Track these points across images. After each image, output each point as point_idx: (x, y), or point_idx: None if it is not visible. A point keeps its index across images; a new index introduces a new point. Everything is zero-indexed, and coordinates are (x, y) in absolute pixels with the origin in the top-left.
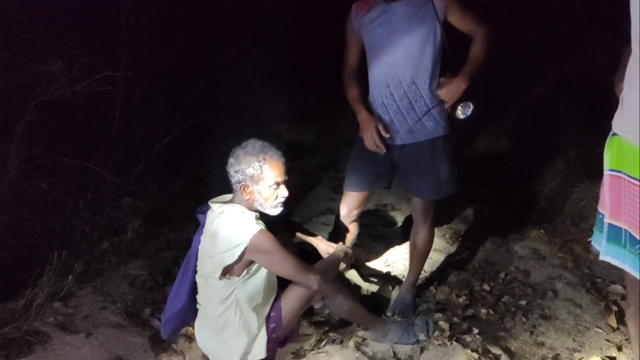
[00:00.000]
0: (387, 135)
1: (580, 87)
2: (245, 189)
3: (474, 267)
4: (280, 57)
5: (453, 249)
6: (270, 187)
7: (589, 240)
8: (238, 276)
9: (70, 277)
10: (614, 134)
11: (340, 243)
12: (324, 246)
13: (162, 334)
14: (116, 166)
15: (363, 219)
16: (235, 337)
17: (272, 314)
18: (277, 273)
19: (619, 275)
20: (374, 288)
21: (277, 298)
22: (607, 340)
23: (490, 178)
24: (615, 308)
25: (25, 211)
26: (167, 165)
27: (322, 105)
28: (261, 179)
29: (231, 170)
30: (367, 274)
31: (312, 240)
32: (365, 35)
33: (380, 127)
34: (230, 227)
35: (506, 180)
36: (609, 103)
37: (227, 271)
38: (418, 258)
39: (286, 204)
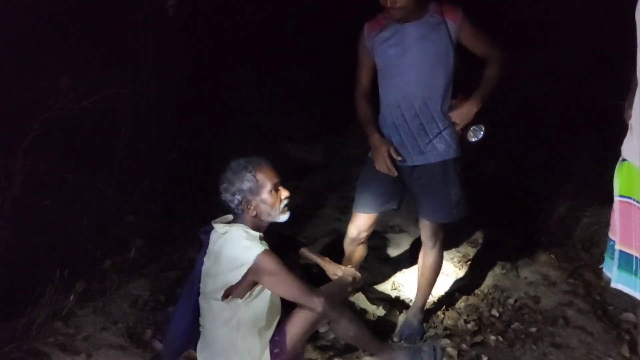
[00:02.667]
0: (399, 159)
1: (591, 111)
2: (249, 205)
3: (482, 292)
4: (288, 74)
5: (461, 273)
6: (270, 191)
7: (600, 267)
8: (241, 298)
9: (72, 296)
10: (624, 160)
11: (350, 266)
12: (331, 268)
13: (164, 357)
14: (120, 184)
15: (370, 240)
16: None
17: (277, 338)
18: (281, 295)
19: (632, 303)
20: (380, 312)
21: (281, 321)
22: None
23: (499, 201)
24: (627, 337)
25: (28, 228)
26: (172, 184)
27: (329, 124)
28: (260, 187)
29: (228, 196)
30: (374, 298)
31: (318, 261)
32: (378, 55)
33: (392, 151)
34: (234, 247)
35: (516, 203)
36: (621, 127)
37: (229, 292)
38: (426, 282)
39: (291, 223)
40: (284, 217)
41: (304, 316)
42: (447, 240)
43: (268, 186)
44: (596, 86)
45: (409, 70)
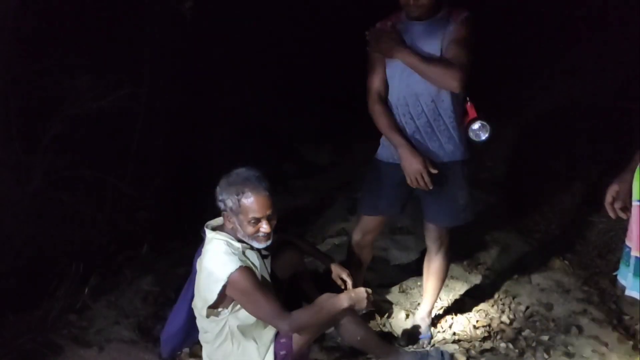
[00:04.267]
0: (435, 172)
1: (607, 114)
2: (228, 218)
3: (493, 297)
4: (297, 73)
5: (471, 277)
6: (249, 222)
7: (614, 274)
8: (227, 308)
9: (87, 290)
10: None
11: (361, 289)
12: (337, 270)
13: (162, 353)
14: (134, 181)
15: (377, 242)
16: None
17: (283, 340)
18: (251, 314)
19: None
20: (387, 315)
21: None
22: None
23: (511, 204)
24: None
25: (46, 222)
26: (185, 182)
27: (338, 123)
28: (240, 213)
29: (217, 198)
30: (382, 300)
31: (325, 262)
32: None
33: (429, 164)
34: (212, 260)
35: (529, 207)
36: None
37: (213, 306)
38: (433, 287)
39: (300, 223)
40: (258, 245)
41: None
42: (457, 243)
43: (248, 217)
44: (608, 86)
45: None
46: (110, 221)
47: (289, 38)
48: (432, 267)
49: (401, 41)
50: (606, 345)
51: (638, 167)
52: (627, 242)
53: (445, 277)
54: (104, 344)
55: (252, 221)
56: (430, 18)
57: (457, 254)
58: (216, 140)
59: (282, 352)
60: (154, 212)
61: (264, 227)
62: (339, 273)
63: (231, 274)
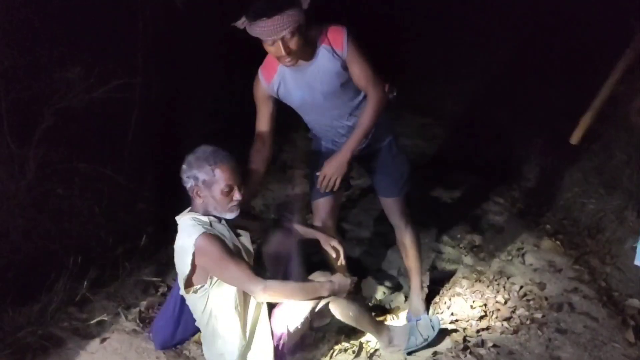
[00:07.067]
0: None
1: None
2: (199, 193)
3: (488, 278)
4: None
5: (467, 259)
6: (222, 190)
7: (634, 245)
8: (205, 283)
9: (86, 282)
10: None
11: (347, 275)
12: (323, 238)
13: (154, 345)
14: (131, 172)
15: (377, 226)
16: (226, 343)
17: (277, 320)
18: (223, 280)
19: (637, 288)
20: (387, 297)
21: (278, 306)
22: (624, 355)
23: (505, 187)
24: (632, 322)
25: (42, 216)
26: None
27: None
28: (214, 183)
29: (184, 177)
30: (380, 283)
31: (312, 232)
32: (284, 99)
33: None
34: (182, 235)
35: (521, 189)
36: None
37: (190, 283)
38: (414, 261)
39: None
40: (230, 215)
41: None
42: (452, 226)
43: (221, 185)
44: (597, 73)
45: (321, 105)
46: (108, 214)
47: None
48: (407, 242)
49: (341, 157)
50: (597, 321)
51: None
52: None
53: (420, 246)
54: (105, 335)
55: (226, 190)
56: (314, 56)
57: (454, 237)
58: (214, 129)
59: (278, 333)
60: (152, 203)
61: (237, 195)
62: (329, 241)
63: (196, 239)
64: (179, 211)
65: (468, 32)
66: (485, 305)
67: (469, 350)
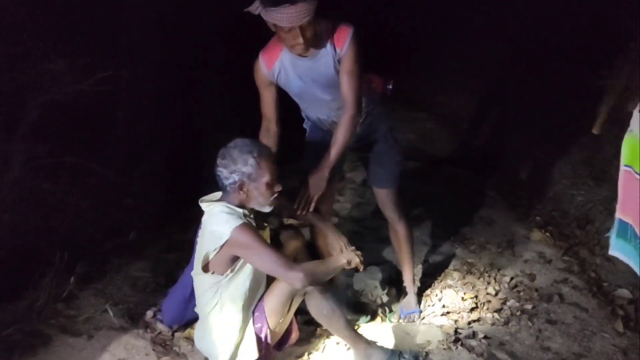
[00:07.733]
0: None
1: (585, 90)
2: (243, 187)
3: (479, 270)
4: None
5: (458, 251)
6: (266, 183)
7: (606, 235)
8: (222, 275)
9: (73, 278)
10: (631, 130)
11: (353, 248)
12: (331, 233)
13: (164, 322)
14: (119, 167)
15: (369, 221)
16: (224, 337)
17: (257, 313)
18: (259, 268)
19: (626, 279)
20: (379, 292)
21: (261, 297)
22: (614, 345)
23: (495, 180)
24: (621, 312)
25: (28, 211)
26: (172, 166)
27: None
28: (259, 176)
29: (225, 172)
30: (373, 278)
31: (321, 226)
32: (284, 86)
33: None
34: (215, 220)
35: (512, 182)
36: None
37: (207, 268)
38: (407, 254)
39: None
40: (268, 209)
41: (280, 288)
42: (444, 218)
43: (267, 178)
44: (588, 65)
45: (321, 95)
46: (96, 209)
47: None
48: (399, 235)
49: (319, 175)
50: (586, 311)
51: (626, 134)
52: (617, 206)
53: (412, 239)
54: (93, 332)
55: (270, 182)
56: (318, 49)
57: (445, 231)
58: (205, 124)
59: (258, 324)
60: (141, 198)
61: (278, 187)
62: (334, 236)
63: (234, 228)
64: (170, 207)
65: (460, 28)
66: (476, 297)
67: (460, 342)
